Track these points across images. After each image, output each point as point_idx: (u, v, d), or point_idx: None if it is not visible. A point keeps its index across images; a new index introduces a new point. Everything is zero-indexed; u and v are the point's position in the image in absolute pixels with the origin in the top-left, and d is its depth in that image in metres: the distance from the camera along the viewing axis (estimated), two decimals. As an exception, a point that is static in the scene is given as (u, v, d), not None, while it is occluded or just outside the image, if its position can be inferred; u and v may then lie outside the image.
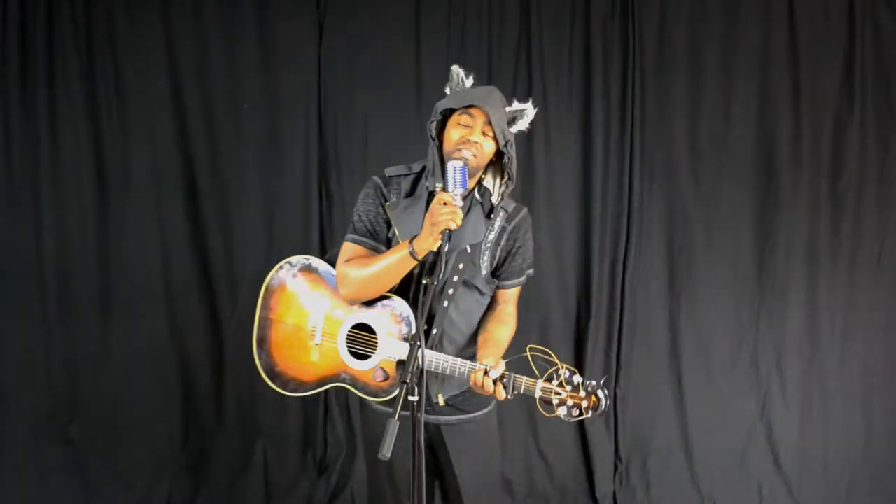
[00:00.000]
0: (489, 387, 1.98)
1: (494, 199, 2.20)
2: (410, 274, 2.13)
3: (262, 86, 3.52)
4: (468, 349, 2.20)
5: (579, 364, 3.62)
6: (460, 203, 2.00)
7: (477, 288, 2.20)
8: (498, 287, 2.26)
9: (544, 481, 3.61)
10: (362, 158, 3.57)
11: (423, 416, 1.79)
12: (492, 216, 2.19)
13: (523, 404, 3.55)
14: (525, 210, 2.26)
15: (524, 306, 3.56)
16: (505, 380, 1.98)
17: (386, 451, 1.60)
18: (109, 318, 3.54)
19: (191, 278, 3.55)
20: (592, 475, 3.60)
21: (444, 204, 1.97)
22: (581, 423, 3.61)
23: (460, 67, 2.18)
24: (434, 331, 2.14)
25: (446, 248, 1.96)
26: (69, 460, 3.53)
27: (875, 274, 3.55)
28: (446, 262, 2.11)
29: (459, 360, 2.04)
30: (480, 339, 2.17)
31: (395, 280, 2.11)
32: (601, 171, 3.55)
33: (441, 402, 2.18)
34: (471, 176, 2.12)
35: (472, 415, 2.25)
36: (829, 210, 3.54)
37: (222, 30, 3.49)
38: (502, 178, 2.20)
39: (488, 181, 2.21)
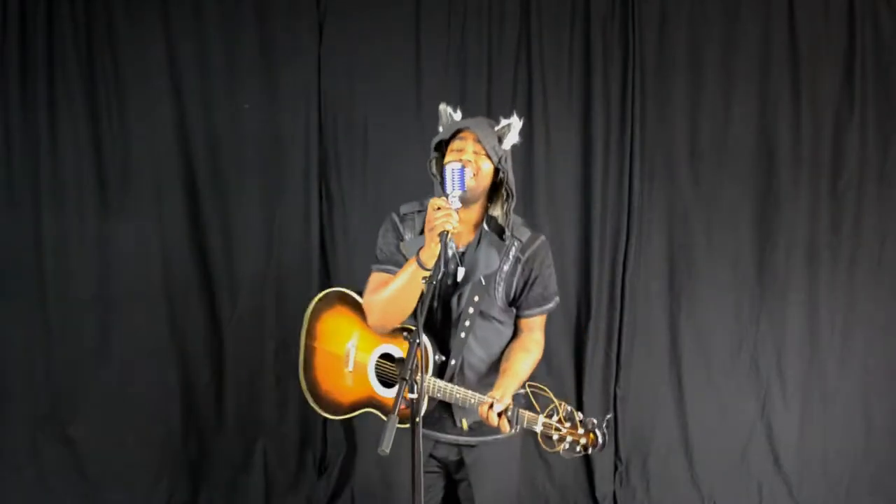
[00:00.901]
0: (493, 419, 2.01)
1: (501, 220, 2.21)
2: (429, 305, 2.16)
3: (262, 86, 3.52)
4: (491, 376, 2.20)
5: (579, 364, 3.61)
6: (457, 205, 2.01)
7: (494, 318, 2.22)
8: (519, 317, 2.28)
9: (544, 481, 3.60)
10: (362, 158, 3.57)
11: (422, 414, 1.79)
12: (504, 239, 2.19)
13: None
14: (541, 239, 2.26)
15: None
16: (509, 413, 2.01)
17: (385, 447, 1.62)
18: (109, 318, 3.54)
19: (191, 278, 3.55)
20: (592, 475, 3.60)
21: (438, 209, 1.99)
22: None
23: (447, 105, 2.22)
24: (453, 361, 2.18)
25: (443, 248, 1.97)
26: (69, 460, 3.53)
27: (875, 274, 3.54)
28: (460, 294, 2.18)
29: (469, 392, 2.08)
30: (502, 368, 2.19)
31: (414, 296, 2.11)
32: (601, 171, 3.55)
33: (465, 426, 2.22)
34: (466, 203, 2.12)
35: (494, 437, 2.25)
36: (829, 210, 3.54)
37: (222, 30, 3.50)
38: (504, 199, 2.21)
39: (495, 211, 2.23)
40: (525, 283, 2.23)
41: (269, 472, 3.60)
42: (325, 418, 3.52)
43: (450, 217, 1.97)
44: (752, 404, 3.60)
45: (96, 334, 3.54)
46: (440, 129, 2.21)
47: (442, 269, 1.96)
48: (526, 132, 3.47)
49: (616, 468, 3.64)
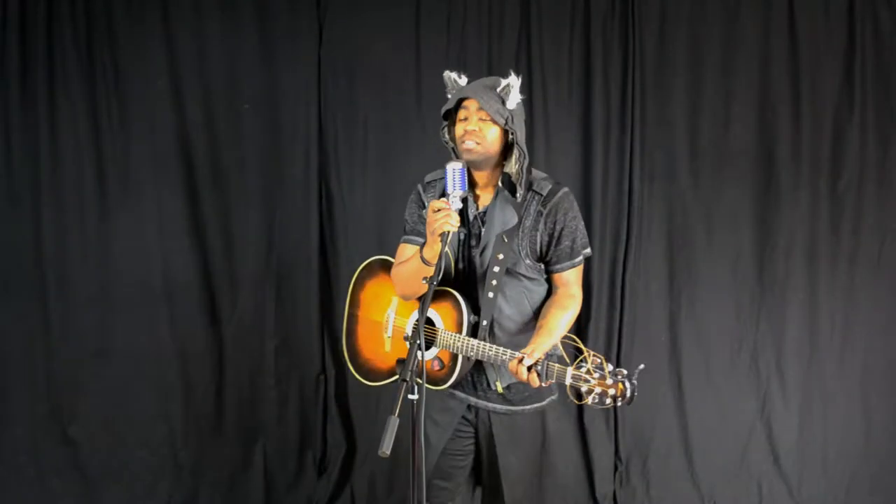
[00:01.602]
0: (523, 374, 2.01)
1: (514, 178, 2.20)
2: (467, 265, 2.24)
3: (262, 86, 3.52)
4: (523, 335, 2.21)
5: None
6: (458, 205, 2.04)
7: (521, 275, 2.22)
8: (551, 272, 2.26)
9: (544, 481, 3.60)
10: (362, 158, 3.57)
11: (422, 415, 1.79)
12: (516, 195, 2.19)
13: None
14: (563, 191, 2.24)
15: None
16: (539, 367, 2.01)
17: (386, 448, 1.62)
18: (109, 318, 3.54)
19: (191, 278, 3.55)
20: (592, 475, 3.60)
21: (437, 210, 2.02)
22: (581, 424, 3.61)
23: (451, 71, 2.22)
24: (483, 322, 2.20)
25: (443, 248, 2.00)
26: (69, 460, 3.53)
27: (875, 274, 3.54)
28: (482, 252, 2.20)
29: (501, 349, 2.09)
30: (538, 324, 2.19)
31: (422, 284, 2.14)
32: (601, 171, 3.55)
33: (499, 388, 2.24)
34: (481, 167, 2.18)
35: (521, 408, 2.28)
36: (829, 210, 3.53)
37: (222, 30, 3.49)
38: (518, 157, 2.21)
39: (509, 168, 2.22)
40: (550, 237, 2.22)
41: (269, 472, 3.61)
42: (325, 405, 3.59)
43: (449, 218, 2.00)
44: (752, 404, 3.60)
45: (96, 334, 3.54)
46: (448, 96, 2.22)
47: (442, 270, 1.96)
48: (526, 132, 3.49)
49: (616, 468, 3.64)
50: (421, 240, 2.26)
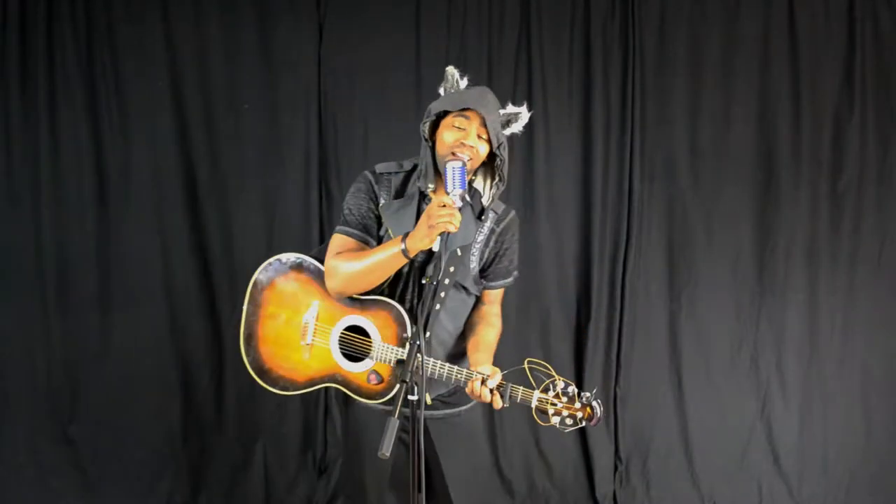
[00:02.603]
0: (486, 395, 2.00)
1: (485, 201, 2.20)
2: (399, 273, 2.15)
3: (262, 86, 3.52)
4: (456, 349, 2.23)
5: (579, 364, 3.61)
6: (459, 204, 1.99)
7: (465, 288, 2.22)
8: (484, 287, 2.28)
9: (544, 481, 3.61)
10: (362, 158, 3.56)
11: (423, 415, 1.78)
12: (482, 218, 2.20)
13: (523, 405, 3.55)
14: (513, 213, 2.28)
15: (524, 306, 3.59)
16: (501, 389, 2.00)
17: (385, 450, 1.60)
18: (109, 318, 3.54)
19: (191, 278, 3.55)
20: (592, 475, 3.60)
21: (444, 206, 1.95)
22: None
23: (456, 68, 2.19)
24: (427, 333, 2.13)
25: (443, 249, 1.95)
26: (69, 460, 3.53)
27: (875, 274, 3.55)
28: (435, 267, 2.08)
29: (456, 368, 2.05)
30: (470, 342, 2.19)
31: (385, 276, 2.12)
32: (601, 171, 3.55)
33: (429, 400, 2.20)
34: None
35: (458, 409, 2.27)
36: (829, 210, 3.54)
37: (222, 30, 3.49)
38: (493, 179, 2.20)
39: (478, 183, 2.22)
40: (496, 255, 2.25)
41: (269, 472, 3.60)
42: (326, 405, 3.59)
43: (453, 218, 1.93)
44: (752, 404, 3.60)
45: (96, 334, 3.54)
46: (441, 91, 2.18)
47: (441, 270, 1.93)
48: (526, 132, 3.48)
49: (616, 468, 3.64)
50: (365, 235, 2.17)
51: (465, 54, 3.51)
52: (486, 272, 2.26)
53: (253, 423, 3.61)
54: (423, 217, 1.98)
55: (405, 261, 2.05)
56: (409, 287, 2.17)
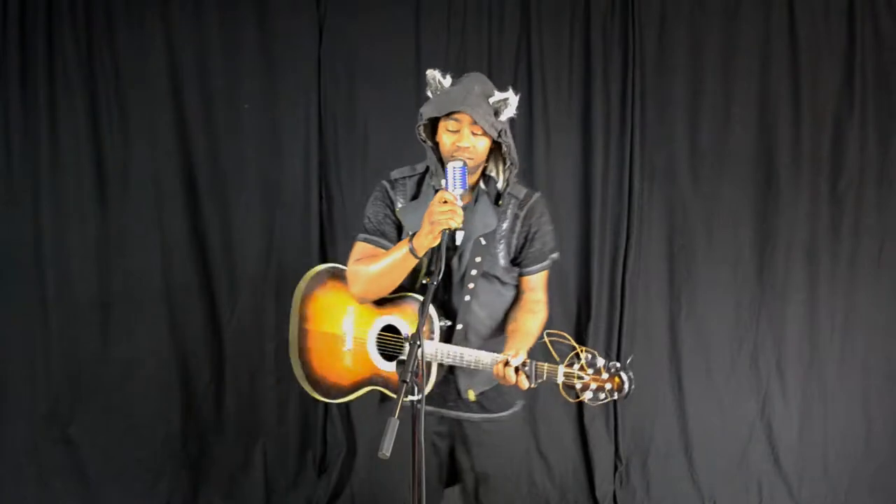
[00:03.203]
0: (511, 377, 1.96)
1: (500, 185, 2.20)
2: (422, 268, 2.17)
3: (262, 86, 3.52)
4: (493, 339, 2.19)
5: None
6: (461, 203, 2.00)
7: (497, 278, 2.20)
8: (521, 274, 2.25)
9: (544, 481, 3.60)
10: (362, 158, 3.57)
11: (422, 415, 1.78)
12: (500, 203, 2.19)
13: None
14: (537, 195, 2.26)
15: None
16: (527, 368, 1.96)
17: (386, 450, 1.60)
18: (109, 318, 3.54)
19: (191, 278, 3.55)
20: (592, 475, 3.60)
21: (445, 202, 1.98)
22: (581, 423, 3.61)
23: (436, 70, 2.16)
24: (459, 326, 2.16)
25: (443, 246, 1.96)
26: (69, 460, 3.53)
27: (875, 274, 3.54)
28: (461, 256, 2.15)
29: (483, 353, 2.04)
30: (508, 329, 2.17)
31: (401, 277, 2.13)
32: (601, 171, 3.55)
33: (472, 397, 2.19)
34: (471, 173, 2.13)
35: (496, 414, 2.24)
36: (829, 210, 3.54)
37: (222, 30, 3.49)
38: (504, 164, 2.20)
39: (491, 169, 2.22)
40: (525, 239, 2.22)
41: (269, 472, 3.60)
42: (326, 405, 3.59)
43: (455, 214, 1.96)
44: (752, 404, 3.60)
45: (96, 334, 3.53)
46: (429, 94, 2.16)
47: (442, 268, 1.93)
48: (526, 132, 3.49)
49: (616, 468, 3.64)
50: (383, 241, 2.22)
51: (465, 54, 3.51)
52: (518, 259, 2.23)
53: (253, 423, 3.61)
54: (426, 215, 2.00)
55: (416, 261, 2.07)
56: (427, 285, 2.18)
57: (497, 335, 2.21)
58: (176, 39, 3.48)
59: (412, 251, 2.05)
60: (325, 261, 3.59)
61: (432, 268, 2.15)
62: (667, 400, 3.63)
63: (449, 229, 1.97)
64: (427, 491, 1.94)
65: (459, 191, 2.01)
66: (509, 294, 2.26)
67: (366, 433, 3.62)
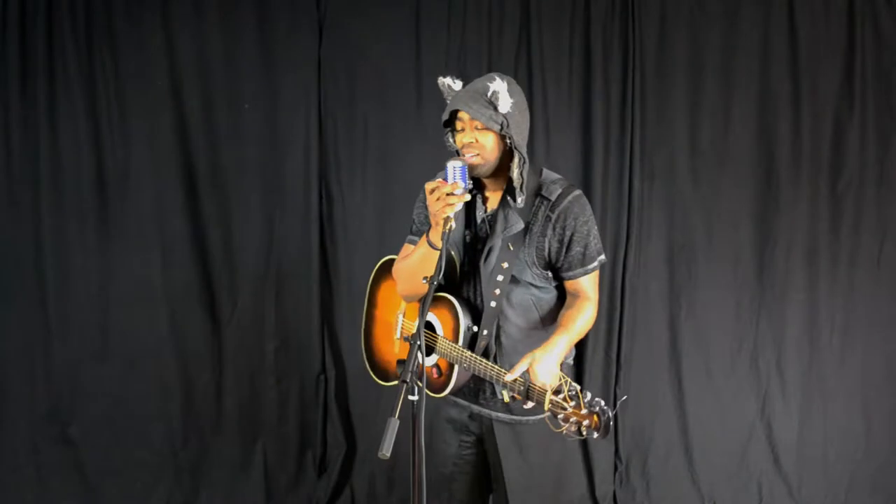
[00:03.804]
0: (505, 395, 2.03)
1: (515, 181, 2.12)
2: (457, 268, 2.21)
3: (262, 86, 3.52)
4: (529, 342, 2.13)
5: (579, 364, 3.61)
6: (460, 191, 1.99)
7: (529, 283, 2.17)
8: (564, 279, 2.19)
9: (544, 481, 3.60)
10: (362, 159, 3.57)
11: (422, 416, 1.79)
12: (516, 200, 2.13)
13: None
14: (574, 194, 2.16)
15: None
16: (518, 385, 1.97)
17: (386, 450, 1.60)
18: (109, 318, 3.54)
19: (191, 278, 3.55)
20: (592, 475, 3.60)
21: (432, 192, 1.99)
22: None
23: (445, 77, 2.16)
24: (484, 331, 2.14)
25: (444, 246, 1.97)
26: (69, 460, 3.53)
27: (875, 274, 3.54)
28: (486, 260, 2.14)
29: (489, 364, 2.06)
30: (557, 325, 2.13)
31: (427, 272, 2.09)
32: (601, 171, 3.55)
33: (506, 398, 2.13)
34: (484, 174, 2.13)
35: (525, 418, 2.20)
36: (829, 210, 3.54)
37: (222, 30, 3.49)
38: (517, 162, 2.15)
39: (514, 171, 2.14)
40: (560, 243, 2.14)
41: (269, 472, 3.61)
42: (325, 404, 3.59)
43: (447, 199, 1.97)
44: (752, 404, 3.60)
45: (96, 334, 3.54)
46: (447, 101, 2.16)
47: (442, 269, 1.92)
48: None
49: (616, 468, 3.64)
50: None
51: (465, 54, 3.51)
52: (557, 262, 2.17)
53: (253, 423, 3.62)
54: (429, 208, 2.04)
55: (436, 253, 2.06)
56: (466, 280, 2.22)
57: (535, 337, 2.16)
58: (176, 39, 3.48)
59: (430, 244, 2.09)
60: (325, 261, 3.60)
61: (465, 258, 2.21)
62: (667, 400, 3.63)
63: (449, 217, 1.98)
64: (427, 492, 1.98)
65: (460, 191, 2.00)
66: (548, 296, 2.22)
67: (366, 433, 3.62)
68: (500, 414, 2.22)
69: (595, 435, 1.85)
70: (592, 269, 2.19)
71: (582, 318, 2.14)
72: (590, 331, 3.48)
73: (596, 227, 2.20)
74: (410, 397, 1.76)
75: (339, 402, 3.64)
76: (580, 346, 3.60)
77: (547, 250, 2.16)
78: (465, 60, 3.50)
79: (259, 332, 3.59)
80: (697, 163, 3.56)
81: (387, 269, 2.42)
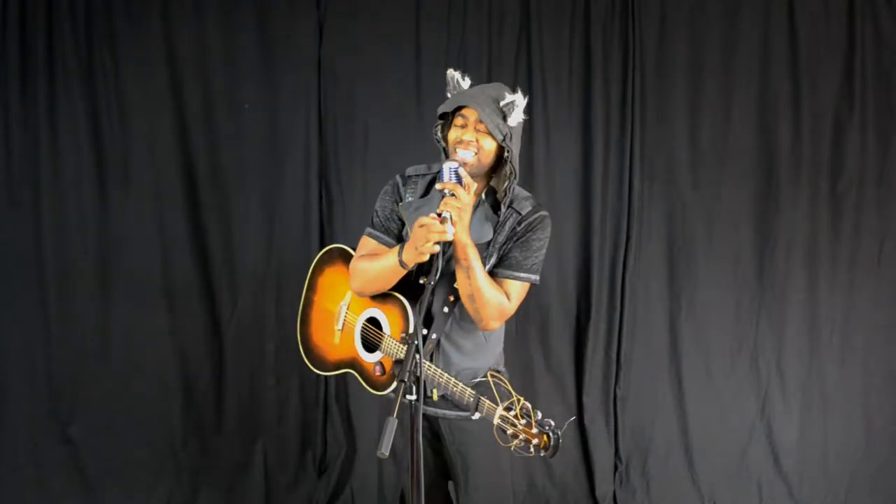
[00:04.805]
0: (439, 228, 1.94)
1: (500, 195, 2.15)
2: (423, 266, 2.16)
3: (262, 86, 3.52)
4: (474, 358, 2.20)
5: (579, 364, 3.61)
6: (450, 231, 1.94)
7: None
8: (492, 274, 2.16)
9: (544, 481, 3.60)
10: (362, 159, 3.57)
11: (420, 415, 1.78)
12: (498, 213, 2.15)
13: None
14: (540, 214, 2.17)
15: (524, 306, 3.56)
16: (468, 398, 2.03)
17: (384, 450, 1.60)
18: (109, 318, 3.54)
19: (191, 278, 3.55)
20: (592, 475, 3.60)
21: (422, 226, 1.94)
22: (581, 423, 3.61)
23: (455, 70, 2.16)
24: (434, 335, 2.14)
25: (441, 252, 1.95)
26: (69, 460, 3.53)
27: (875, 274, 3.55)
28: (449, 260, 2.10)
29: (437, 370, 2.10)
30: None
31: (392, 282, 2.15)
32: (601, 171, 3.55)
33: (434, 396, 2.20)
34: (475, 175, 2.11)
35: (468, 413, 2.19)
36: (828, 210, 3.54)
37: (222, 30, 3.49)
38: (507, 175, 2.16)
39: (496, 182, 2.18)
40: (510, 244, 2.16)
41: (269, 472, 3.60)
42: (326, 404, 3.59)
43: (436, 240, 1.92)
44: (752, 404, 3.60)
45: (96, 334, 3.54)
46: (448, 94, 2.16)
47: (439, 271, 1.91)
48: (526, 132, 3.48)
49: (616, 468, 3.64)
50: (387, 238, 2.24)
51: (465, 54, 3.51)
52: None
53: (253, 423, 3.61)
54: (412, 237, 1.99)
55: (405, 271, 2.08)
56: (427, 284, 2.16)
57: (480, 354, 2.22)
58: (176, 39, 3.48)
59: (401, 263, 2.06)
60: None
61: (421, 277, 2.18)
62: (667, 400, 3.63)
63: (433, 253, 1.94)
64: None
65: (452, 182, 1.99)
66: None
67: (366, 433, 3.62)
68: (445, 411, 2.23)
69: (543, 454, 1.85)
70: (518, 279, 2.16)
71: (493, 289, 2.09)
72: (590, 331, 3.55)
73: (543, 252, 2.19)
74: (408, 397, 1.75)
75: (339, 402, 3.64)
76: (580, 346, 3.61)
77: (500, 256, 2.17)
78: (465, 60, 3.50)
79: (259, 332, 3.59)
80: (697, 163, 3.56)
81: (334, 256, 2.42)
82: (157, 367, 3.56)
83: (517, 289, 2.17)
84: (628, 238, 3.56)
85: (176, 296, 3.56)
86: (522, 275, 2.17)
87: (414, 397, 1.75)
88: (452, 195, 1.95)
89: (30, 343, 3.51)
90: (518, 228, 2.16)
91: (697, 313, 3.60)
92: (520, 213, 2.17)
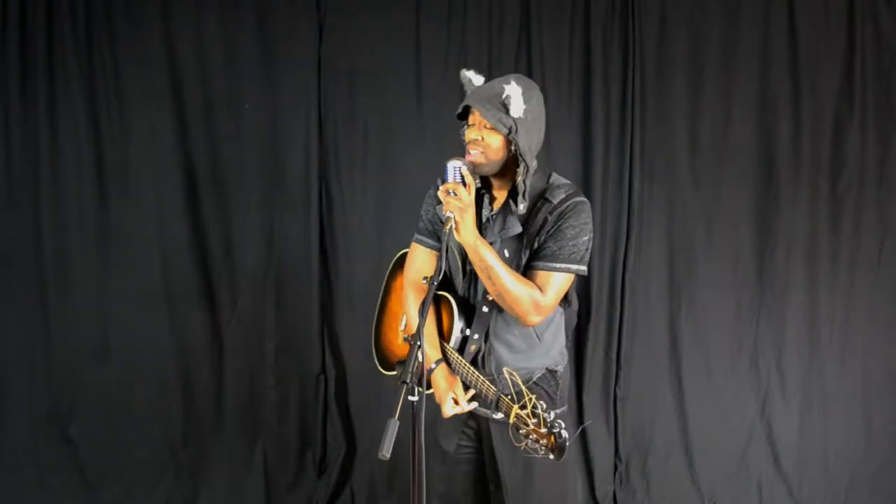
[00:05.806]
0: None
1: (518, 187, 2.12)
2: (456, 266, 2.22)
3: (262, 86, 3.52)
4: (524, 356, 2.19)
5: (579, 364, 3.61)
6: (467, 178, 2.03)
7: None
8: (528, 268, 2.13)
9: (544, 481, 3.60)
10: (362, 159, 3.57)
11: (422, 415, 1.78)
12: (517, 204, 2.12)
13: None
14: (575, 199, 2.13)
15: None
16: (491, 395, 2.05)
17: (386, 451, 1.60)
18: (109, 318, 3.54)
19: (190, 278, 3.55)
20: (592, 475, 3.60)
21: (448, 193, 2.00)
22: (581, 423, 3.61)
23: (469, 70, 2.17)
24: (475, 335, 2.16)
25: (443, 249, 1.97)
26: (69, 460, 3.53)
27: (875, 274, 3.54)
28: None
29: (469, 367, 2.13)
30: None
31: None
32: (601, 171, 3.55)
33: (466, 397, 2.19)
34: (488, 173, 2.15)
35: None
36: (828, 210, 3.54)
37: (222, 30, 3.49)
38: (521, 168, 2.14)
39: (517, 177, 2.14)
40: (545, 236, 2.11)
41: (269, 472, 3.61)
42: (325, 404, 3.60)
43: (452, 202, 1.99)
44: (752, 404, 3.60)
45: (96, 334, 3.54)
46: (468, 92, 2.17)
47: (441, 270, 1.92)
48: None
49: (616, 468, 3.64)
50: (431, 241, 2.29)
51: (465, 54, 3.51)
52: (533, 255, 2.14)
53: (253, 423, 3.62)
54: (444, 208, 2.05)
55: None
56: (466, 281, 2.22)
57: (531, 351, 2.19)
58: (176, 39, 3.48)
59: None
60: (325, 261, 3.60)
61: (466, 258, 2.18)
62: (667, 400, 3.63)
63: (450, 222, 1.99)
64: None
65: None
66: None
67: (366, 433, 3.62)
68: (487, 412, 2.21)
69: (551, 456, 1.83)
70: (555, 270, 2.10)
71: (521, 285, 2.06)
72: (590, 331, 3.55)
73: (586, 239, 2.13)
74: (410, 398, 1.75)
75: (339, 402, 3.64)
76: (580, 346, 3.60)
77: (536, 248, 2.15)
78: (466, 60, 3.50)
79: (259, 332, 3.59)
80: (697, 163, 3.56)
81: (401, 262, 2.46)
82: (157, 367, 3.56)
83: (554, 280, 2.10)
84: (628, 238, 3.56)
85: (176, 296, 3.56)
86: (559, 265, 2.10)
87: (416, 398, 1.75)
88: (454, 194, 1.98)
89: (30, 343, 3.52)
90: (549, 218, 2.11)
91: (697, 313, 3.60)
92: (551, 202, 2.12)
